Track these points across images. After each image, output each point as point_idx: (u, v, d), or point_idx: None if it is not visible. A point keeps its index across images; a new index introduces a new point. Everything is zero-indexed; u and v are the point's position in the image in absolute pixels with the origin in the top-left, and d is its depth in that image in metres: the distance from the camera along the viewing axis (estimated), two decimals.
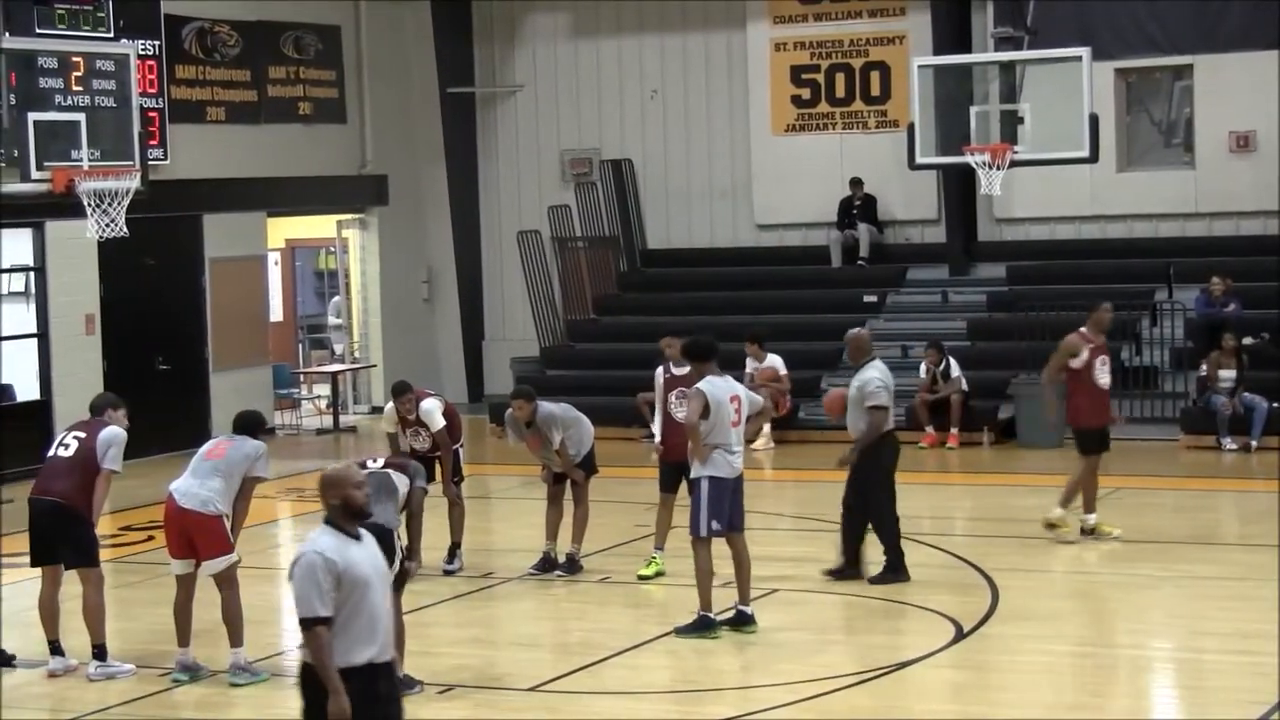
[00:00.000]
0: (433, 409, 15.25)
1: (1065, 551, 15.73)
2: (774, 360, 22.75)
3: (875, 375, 14.40)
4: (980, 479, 20.57)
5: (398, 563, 11.64)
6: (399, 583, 11.64)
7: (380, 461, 12.14)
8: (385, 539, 11.64)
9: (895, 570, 14.57)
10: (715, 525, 12.87)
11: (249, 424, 12.53)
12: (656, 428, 15.34)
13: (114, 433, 12.47)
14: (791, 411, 22.83)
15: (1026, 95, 19.55)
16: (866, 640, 13.10)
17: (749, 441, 13.76)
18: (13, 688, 12.18)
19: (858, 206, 25.46)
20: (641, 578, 14.87)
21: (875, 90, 25.81)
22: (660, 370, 15.24)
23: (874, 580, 14.50)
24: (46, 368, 22.20)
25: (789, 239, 26.57)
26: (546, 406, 15.05)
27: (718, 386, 12.93)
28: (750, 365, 22.84)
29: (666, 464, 14.87)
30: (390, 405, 15.49)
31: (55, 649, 12.54)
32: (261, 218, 25.39)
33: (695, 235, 27.11)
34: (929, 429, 22.28)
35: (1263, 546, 15.64)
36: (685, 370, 15.00)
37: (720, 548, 13.03)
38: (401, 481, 11.88)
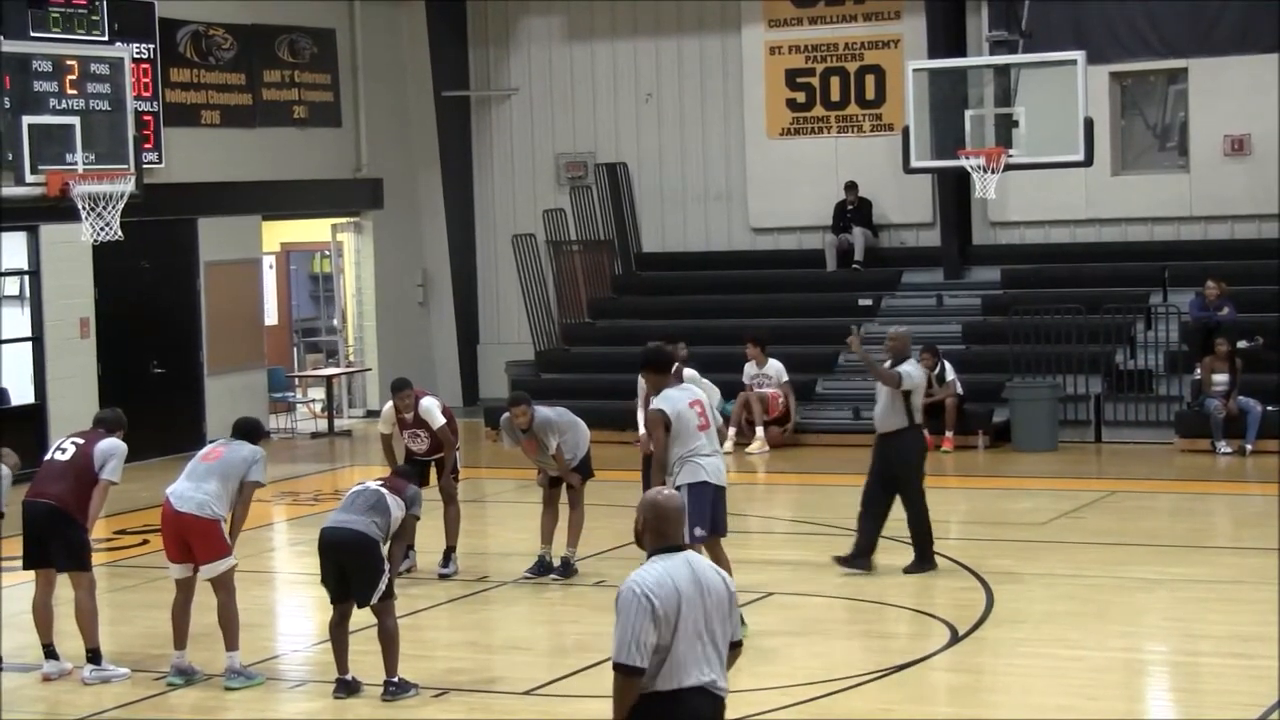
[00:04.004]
0: (432, 406, 15.27)
1: (1060, 555, 15.73)
2: (775, 365, 22.76)
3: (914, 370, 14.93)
4: (975, 482, 20.56)
5: (384, 577, 11.64)
6: (385, 594, 11.66)
7: (378, 482, 12.08)
8: (370, 550, 11.63)
9: (924, 559, 14.91)
10: (699, 531, 12.79)
11: (248, 430, 12.53)
12: (642, 431, 15.35)
13: (114, 444, 12.47)
14: (787, 415, 22.84)
15: (1021, 99, 19.57)
16: (862, 643, 13.10)
17: None
18: (8, 690, 12.17)
19: (852, 210, 25.46)
20: None
21: (870, 94, 25.82)
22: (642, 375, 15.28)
23: (907, 570, 14.84)
24: (41, 371, 22.18)
25: (784, 242, 26.58)
26: (543, 411, 15.05)
27: (673, 399, 12.91)
28: (750, 369, 22.84)
29: (645, 472, 14.92)
30: (388, 405, 15.48)
31: (49, 652, 12.52)
32: (256, 221, 25.39)
33: (690, 239, 27.11)
34: (924, 432, 22.23)
35: (1258, 550, 15.65)
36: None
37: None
38: (396, 505, 11.84)
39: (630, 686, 7.21)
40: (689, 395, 13.01)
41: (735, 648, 7.42)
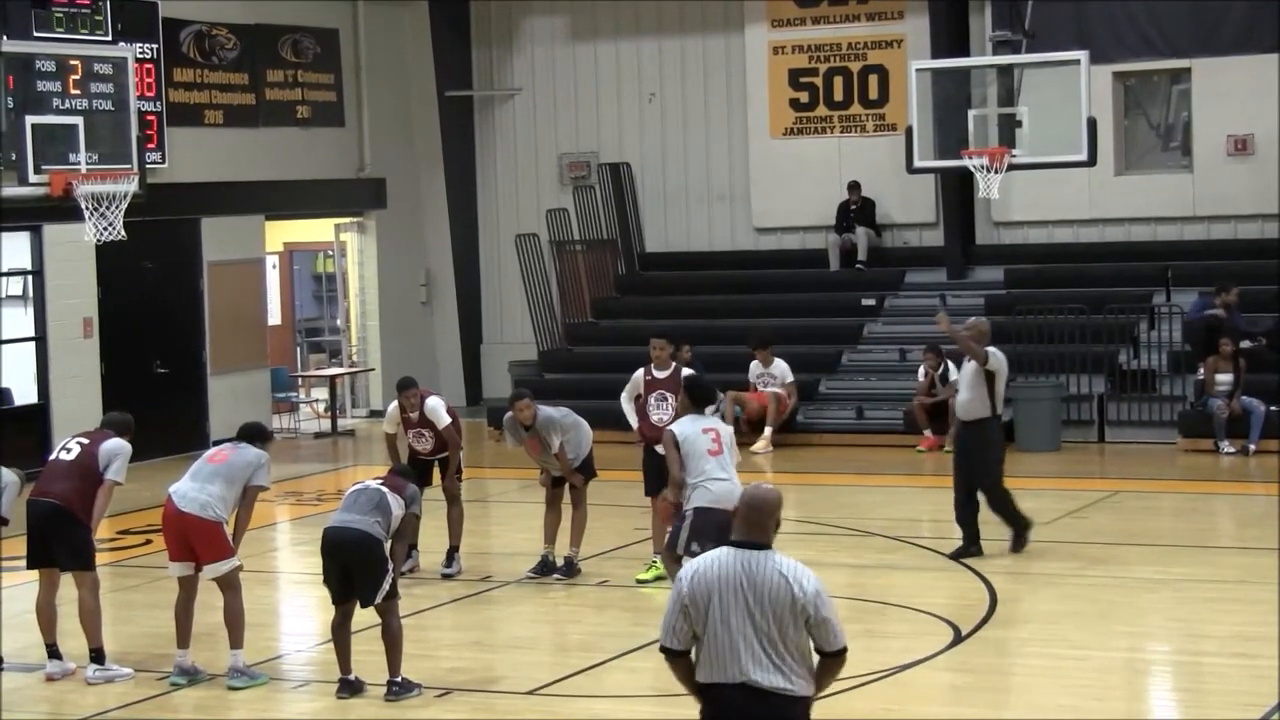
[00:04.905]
0: (438, 406, 15.27)
1: (1063, 555, 15.72)
2: (781, 365, 22.77)
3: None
4: None
5: (388, 576, 11.64)
6: (389, 593, 11.66)
7: (378, 481, 12.06)
8: (374, 550, 11.64)
9: (1021, 539, 15.63)
10: (695, 547, 12.62)
11: (253, 434, 12.53)
12: (634, 421, 15.36)
13: (119, 444, 12.47)
14: (791, 415, 22.85)
15: (1024, 99, 19.56)
16: (864, 643, 13.05)
17: None
18: (11, 691, 12.17)
19: (855, 210, 25.46)
20: (640, 581, 14.86)
21: (873, 94, 25.82)
22: (641, 371, 15.27)
23: (1013, 549, 15.56)
24: (44, 371, 22.19)
25: (787, 242, 26.57)
26: (546, 410, 15.05)
27: (687, 425, 12.99)
28: (755, 368, 22.83)
29: (646, 466, 14.92)
30: (393, 404, 15.47)
31: (53, 652, 12.53)
32: (259, 221, 25.38)
33: (693, 238, 27.11)
34: (927, 432, 22.28)
35: (1260, 550, 15.64)
36: (666, 374, 15.06)
37: None
38: (396, 504, 11.83)
39: (673, 667, 7.35)
40: (704, 422, 13.05)
41: (830, 657, 7.24)
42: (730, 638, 7.17)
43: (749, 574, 7.20)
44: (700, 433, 12.88)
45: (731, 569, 7.21)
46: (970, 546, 15.52)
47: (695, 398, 13.34)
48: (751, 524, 7.32)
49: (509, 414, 15.09)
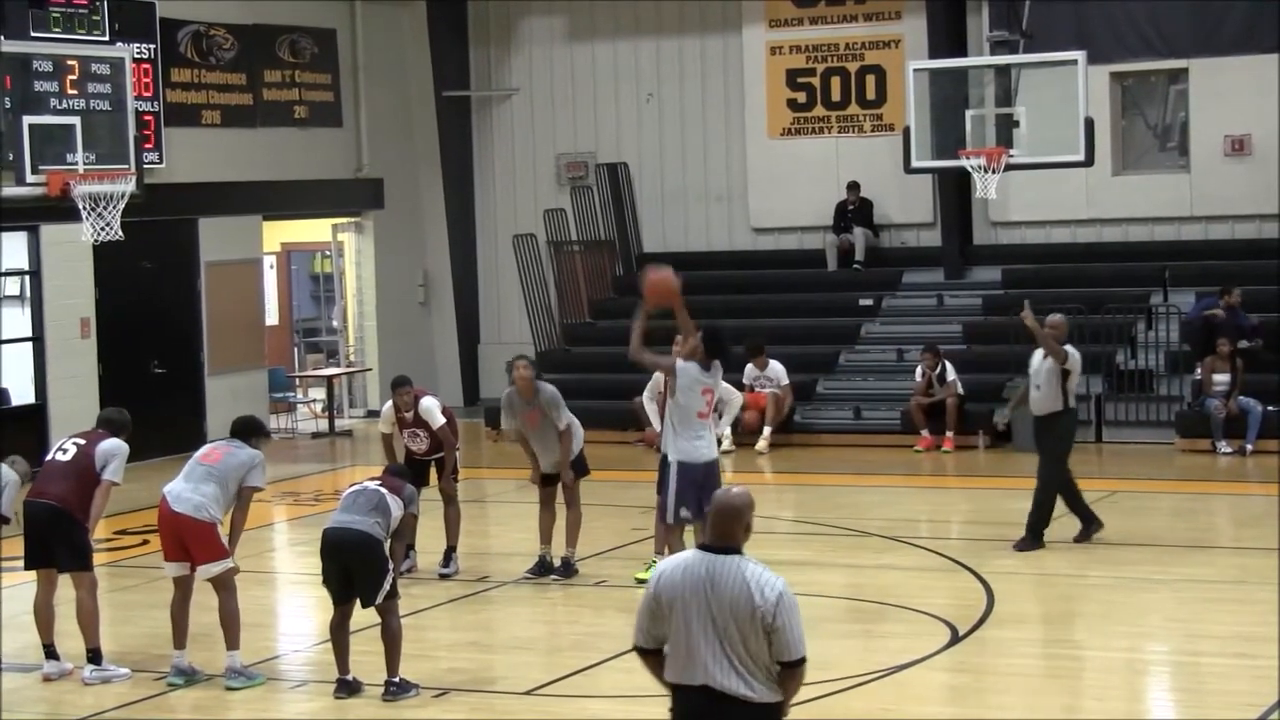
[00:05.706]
0: (432, 406, 15.24)
1: (1061, 555, 15.72)
2: (776, 368, 22.75)
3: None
4: (975, 482, 20.57)
5: (389, 576, 11.63)
6: (390, 593, 11.66)
7: (375, 482, 12.05)
8: (375, 550, 11.63)
9: (1036, 537, 15.76)
10: (684, 513, 12.93)
11: (247, 430, 12.50)
12: (657, 423, 15.32)
13: (116, 444, 12.45)
14: (788, 415, 22.85)
15: (1022, 99, 19.58)
16: (862, 643, 13.09)
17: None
18: (9, 691, 12.15)
19: (853, 210, 25.46)
20: (638, 581, 14.84)
21: (871, 94, 25.81)
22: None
23: (1017, 547, 15.66)
24: (42, 372, 22.17)
25: (785, 242, 26.57)
26: (549, 387, 14.98)
27: (692, 372, 12.96)
28: (750, 370, 22.81)
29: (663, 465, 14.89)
30: (388, 404, 15.45)
31: (50, 652, 12.52)
32: (257, 221, 25.37)
33: (691, 239, 27.10)
34: (924, 432, 22.28)
35: (1258, 550, 15.65)
36: None
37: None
38: (395, 504, 11.83)
39: (645, 664, 7.43)
40: (707, 380, 13.00)
41: (787, 667, 7.17)
42: (692, 641, 7.19)
43: (712, 579, 7.18)
44: (700, 393, 12.90)
45: (696, 573, 7.22)
46: (1090, 526, 15.89)
47: (710, 349, 13.23)
48: (720, 529, 7.29)
49: (508, 390, 15.00)
